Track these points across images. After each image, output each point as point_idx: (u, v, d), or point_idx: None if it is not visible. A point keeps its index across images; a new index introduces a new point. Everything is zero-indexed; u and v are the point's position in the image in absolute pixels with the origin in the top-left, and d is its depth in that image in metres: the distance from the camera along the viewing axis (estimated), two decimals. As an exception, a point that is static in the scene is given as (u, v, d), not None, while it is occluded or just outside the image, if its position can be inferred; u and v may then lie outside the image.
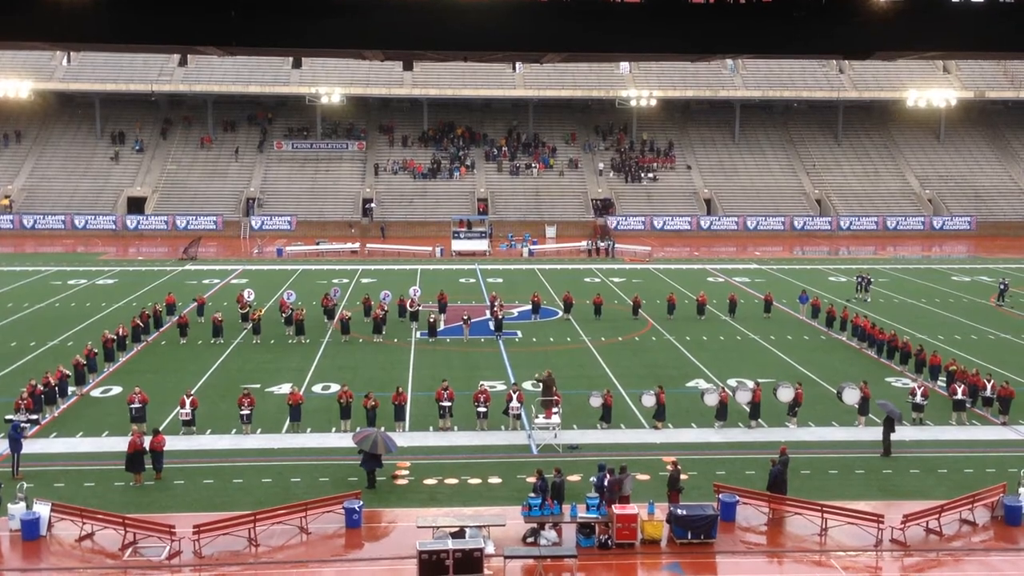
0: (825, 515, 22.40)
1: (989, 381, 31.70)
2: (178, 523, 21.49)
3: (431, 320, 42.41)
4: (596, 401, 29.87)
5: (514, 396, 29.62)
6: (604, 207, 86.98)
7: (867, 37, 14.57)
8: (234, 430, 29.23)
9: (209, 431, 29.21)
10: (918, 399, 30.62)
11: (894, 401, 29.79)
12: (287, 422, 29.66)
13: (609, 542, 21.49)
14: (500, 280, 58.19)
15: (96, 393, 33.43)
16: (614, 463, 23.92)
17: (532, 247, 73.26)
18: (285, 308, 43.84)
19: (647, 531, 21.68)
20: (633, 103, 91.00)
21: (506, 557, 20.43)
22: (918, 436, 29.20)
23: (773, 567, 21.49)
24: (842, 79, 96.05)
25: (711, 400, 30.19)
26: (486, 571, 19.94)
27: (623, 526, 21.47)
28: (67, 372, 32.59)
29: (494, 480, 25.40)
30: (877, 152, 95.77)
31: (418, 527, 21.57)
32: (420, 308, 44.60)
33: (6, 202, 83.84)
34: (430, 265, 65.21)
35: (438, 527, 21.40)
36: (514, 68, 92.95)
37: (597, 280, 58.51)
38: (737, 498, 23.20)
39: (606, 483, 22.73)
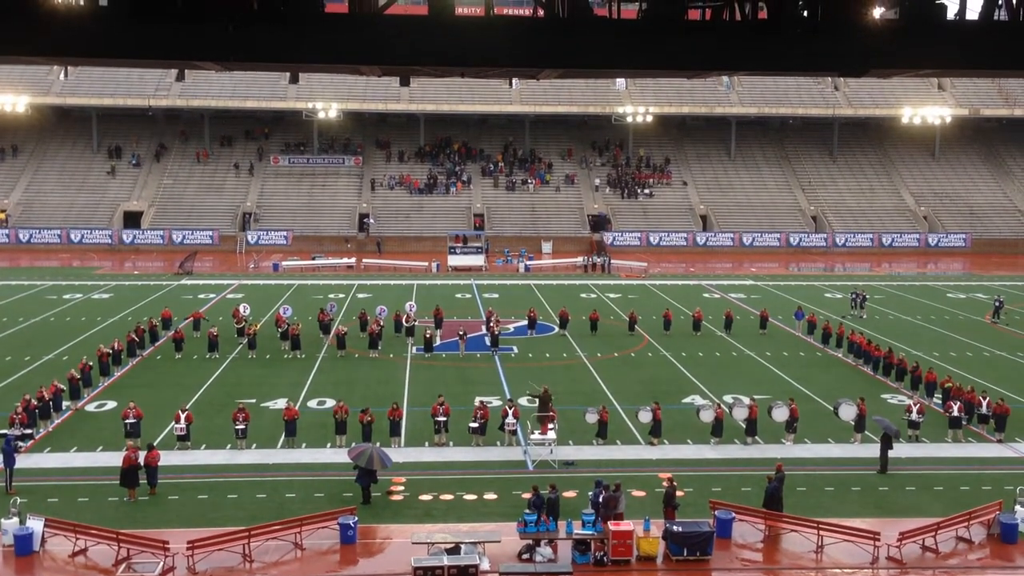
0: (821, 532, 22.36)
1: (985, 398, 31.73)
2: (172, 539, 21.38)
3: (427, 335, 42.37)
4: (592, 417, 29.82)
5: (510, 412, 29.58)
6: (600, 223, 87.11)
7: (862, 54, 14.62)
8: (229, 445, 29.12)
9: (204, 446, 29.12)
10: (914, 416, 30.61)
11: (890, 418, 29.77)
12: (282, 437, 29.57)
13: (605, 559, 21.42)
14: (496, 295, 58.20)
15: (91, 408, 33.33)
16: (610, 479, 23.89)
17: (528, 263, 73.31)
18: (281, 323, 43.77)
19: (643, 548, 21.62)
20: (629, 119, 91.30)
21: (501, 574, 20.37)
22: (914, 453, 29.18)
23: (769, 584, 21.44)
24: (837, 96, 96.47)
25: (707, 416, 30.18)
26: (481, 588, 19.88)
27: (619, 543, 21.41)
28: (62, 387, 32.47)
29: (490, 496, 25.33)
30: (872, 169, 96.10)
31: (413, 543, 21.51)
32: (416, 323, 44.56)
33: (2, 216, 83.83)
34: (426, 280, 65.22)
35: (433, 543, 21.32)
36: (511, 84, 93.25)
37: (593, 296, 58.54)
38: (733, 515, 23.15)
39: (602, 499, 22.68)
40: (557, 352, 42.90)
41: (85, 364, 35.09)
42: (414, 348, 42.62)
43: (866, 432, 29.96)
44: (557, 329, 47.04)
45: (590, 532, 21.73)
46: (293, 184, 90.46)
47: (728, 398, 34.16)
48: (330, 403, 32.60)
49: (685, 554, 21.52)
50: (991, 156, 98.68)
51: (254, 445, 29.18)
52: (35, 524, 21.96)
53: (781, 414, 30.08)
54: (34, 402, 30.20)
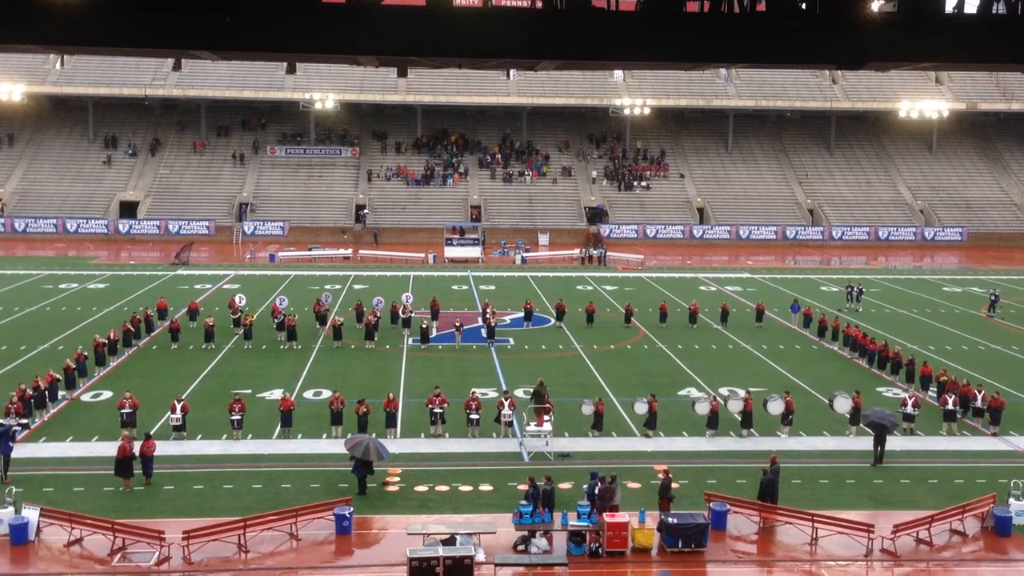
0: (815, 524, 22.42)
1: (980, 392, 31.80)
2: (167, 528, 21.39)
3: (423, 327, 42.37)
4: (588, 409, 29.86)
5: (506, 403, 29.61)
6: (597, 215, 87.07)
7: (860, 47, 14.63)
8: (225, 435, 29.13)
9: (200, 436, 29.12)
10: (909, 409, 30.67)
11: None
12: (278, 428, 29.57)
13: (600, 550, 21.47)
14: (493, 287, 58.20)
15: (86, 398, 33.31)
16: (605, 471, 23.93)
17: (525, 254, 73.29)
18: (277, 313, 43.71)
19: (638, 539, 21.68)
20: (627, 111, 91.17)
21: (496, 565, 20.39)
22: (909, 446, 29.26)
23: (763, 576, 21.49)
24: (835, 89, 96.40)
25: (702, 409, 30.19)
26: (476, 579, 19.91)
27: (614, 534, 21.47)
28: (57, 376, 32.46)
29: (485, 487, 25.36)
30: (869, 162, 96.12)
31: (409, 534, 21.56)
32: (412, 314, 44.55)
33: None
34: (423, 272, 65.20)
35: (429, 534, 21.37)
36: (508, 75, 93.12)
37: (590, 288, 58.56)
38: (728, 507, 23.20)
39: (597, 491, 22.71)
40: (553, 344, 42.92)
41: (81, 354, 35.06)
42: (410, 339, 42.61)
43: (861, 425, 30.00)
44: (553, 321, 47.03)
45: (585, 523, 21.78)
46: (290, 175, 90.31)
47: (724, 390, 34.19)
48: (326, 394, 32.60)
49: (680, 546, 21.57)
50: (988, 150, 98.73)
51: (250, 435, 29.18)
52: (31, 513, 21.98)
53: (776, 407, 30.12)
54: (30, 392, 30.19)
